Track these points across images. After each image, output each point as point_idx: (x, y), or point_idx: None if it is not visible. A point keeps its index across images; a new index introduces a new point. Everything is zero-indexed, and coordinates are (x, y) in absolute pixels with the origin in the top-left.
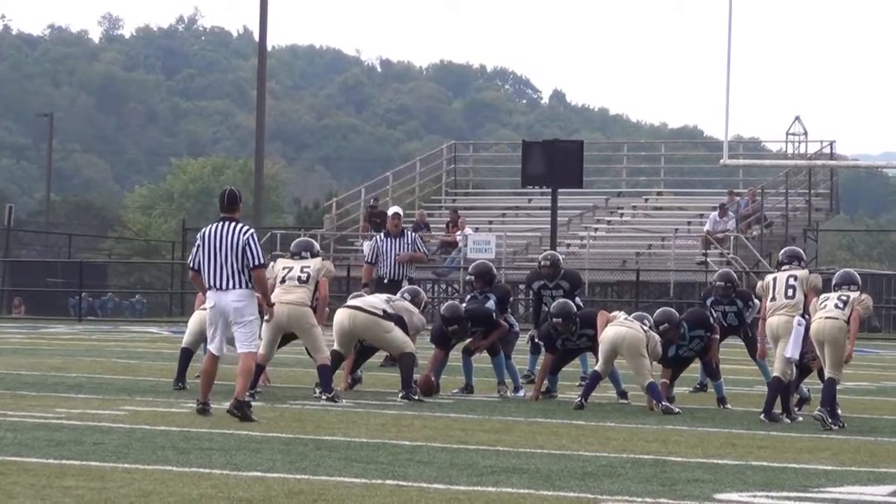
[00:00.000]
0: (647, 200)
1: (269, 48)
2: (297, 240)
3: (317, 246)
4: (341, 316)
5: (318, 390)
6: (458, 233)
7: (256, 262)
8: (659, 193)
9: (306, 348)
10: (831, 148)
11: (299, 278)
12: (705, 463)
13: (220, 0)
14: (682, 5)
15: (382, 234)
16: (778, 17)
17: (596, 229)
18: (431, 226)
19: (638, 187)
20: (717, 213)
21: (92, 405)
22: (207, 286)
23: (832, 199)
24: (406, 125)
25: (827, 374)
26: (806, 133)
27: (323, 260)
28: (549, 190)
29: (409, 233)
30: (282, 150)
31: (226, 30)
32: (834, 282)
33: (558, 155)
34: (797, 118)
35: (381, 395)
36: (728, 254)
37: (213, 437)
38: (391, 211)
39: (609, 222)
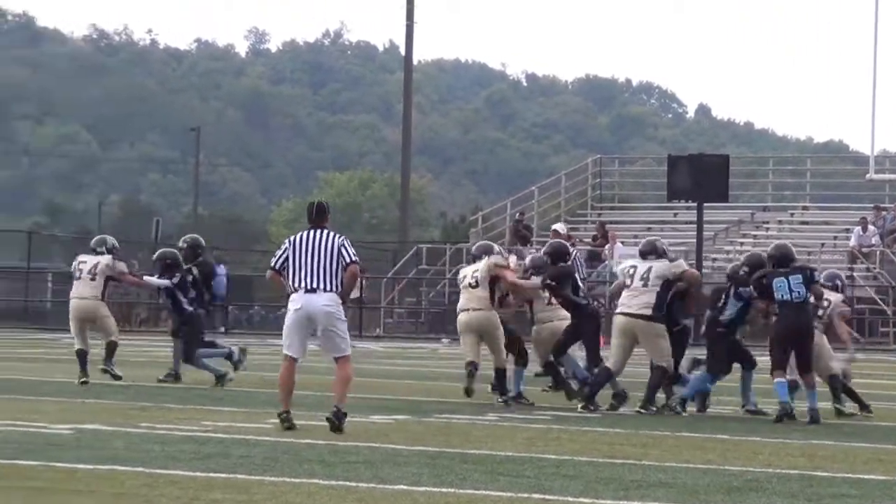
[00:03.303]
0: (792, 215)
1: (414, 62)
2: (478, 243)
3: (496, 248)
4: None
5: (496, 395)
6: (607, 246)
7: (351, 259)
8: (805, 208)
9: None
10: None
11: (470, 284)
12: (851, 478)
13: (366, 14)
14: (826, 19)
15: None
16: None
17: (742, 243)
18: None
19: (783, 202)
20: (860, 227)
21: (237, 418)
22: (296, 288)
23: None
24: (552, 139)
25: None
26: None
27: (491, 257)
28: (695, 204)
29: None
30: (428, 164)
31: (372, 44)
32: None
33: (704, 169)
34: None
35: (527, 409)
36: (874, 268)
37: (360, 451)
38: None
39: (755, 236)
